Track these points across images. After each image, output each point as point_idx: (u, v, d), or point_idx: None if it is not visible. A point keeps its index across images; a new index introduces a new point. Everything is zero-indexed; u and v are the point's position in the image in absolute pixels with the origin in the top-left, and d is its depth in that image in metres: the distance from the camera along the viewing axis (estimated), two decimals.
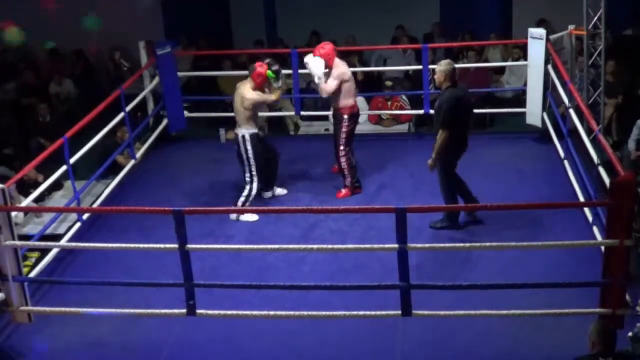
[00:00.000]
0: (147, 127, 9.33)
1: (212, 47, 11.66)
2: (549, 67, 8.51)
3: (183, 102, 9.57)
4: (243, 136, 7.31)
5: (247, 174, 7.39)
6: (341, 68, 7.52)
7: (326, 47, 7.58)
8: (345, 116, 7.53)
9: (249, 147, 7.30)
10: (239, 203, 7.36)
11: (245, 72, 10.88)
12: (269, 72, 7.32)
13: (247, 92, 7.26)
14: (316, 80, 7.49)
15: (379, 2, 11.99)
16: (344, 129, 7.56)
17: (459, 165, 6.92)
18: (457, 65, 10.35)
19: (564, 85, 8.11)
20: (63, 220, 7.36)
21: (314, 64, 7.45)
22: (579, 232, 6.60)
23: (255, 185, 7.39)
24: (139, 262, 6.48)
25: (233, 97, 7.45)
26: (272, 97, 7.42)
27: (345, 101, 7.52)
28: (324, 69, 7.49)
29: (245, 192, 7.39)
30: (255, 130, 7.36)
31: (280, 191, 7.89)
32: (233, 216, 7.39)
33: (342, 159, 7.62)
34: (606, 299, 5.15)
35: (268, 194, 7.81)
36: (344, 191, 7.75)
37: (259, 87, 7.32)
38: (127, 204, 7.69)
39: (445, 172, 6.81)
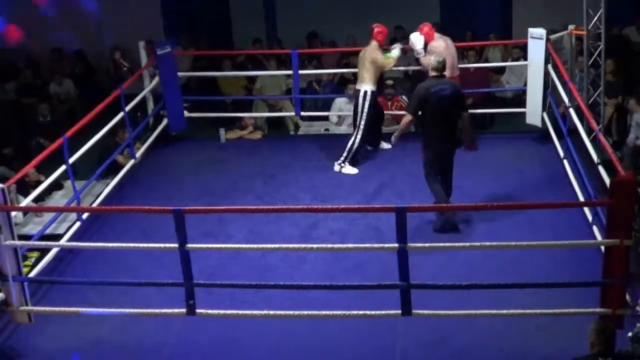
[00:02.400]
0: (147, 127, 9.33)
1: (212, 47, 11.67)
2: (549, 67, 8.51)
3: (183, 102, 9.56)
4: (365, 92, 8.11)
5: (356, 127, 8.21)
6: (435, 42, 8.31)
7: (425, 27, 8.40)
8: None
9: (366, 103, 8.10)
10: (345, 152, 8.18)
11: (245, 73, 11.01)
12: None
13: (372, 51, 8.10)
14: (416, 54, 8.45)
15: (378, 2, 11.98)
16: None
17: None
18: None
19: (564, 85, 8.11)
20: (63, 220, 7.35)
21: (416, 38, 8.35)
22: (579, 232, 6.60)
23: (359, 137, 8.18)
24: (139, 261, 6.47)
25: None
26: (389, 62, 8.21)
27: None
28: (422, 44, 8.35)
29: (349, 143, 8.20)
30: (375, 89, 8.15)
31: (386, 145, 8.61)
32: (336, 167, 8.22)
33: None
34: (606, 299, 5.16)
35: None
36: None
37: (382, 44, 8.21)
38: (127, 203, 7.69)
39: (425, 170, 6.96)
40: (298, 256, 6.54)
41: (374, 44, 8.16)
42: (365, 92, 8.11)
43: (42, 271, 6.43)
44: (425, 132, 6.91)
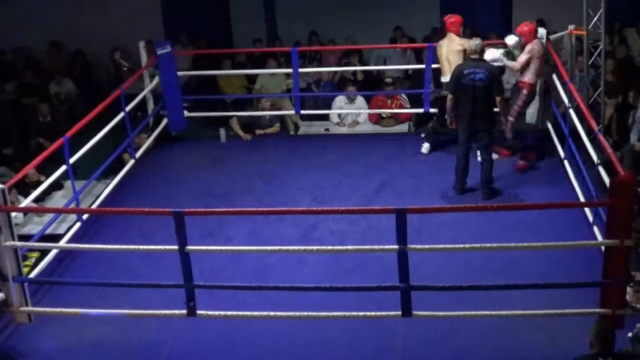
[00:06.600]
0: (147, 127, 9.33)
1: (212, 47, 11.66)
2: None
3: (183, 102, 9.56)
4: (443, 83, 8.27)
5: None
6: (534, 45, 7.88)
7: (526, 26, 8.04)
8: (524, 91, 7.91)
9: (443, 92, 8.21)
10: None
11: (245, 71, 11.00)
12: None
13: (453, 42, 8.20)
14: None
15: (378, 3, 11.98)
16: (518, 102, 7.98)
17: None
18: None
19: (564, 85, 8.10)
20: (63, 221, 7.35)
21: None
22: (579, 232, 6.60)
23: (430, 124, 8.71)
24: (139, 263, 6.46)
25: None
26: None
27: (528, 77, 7.90)
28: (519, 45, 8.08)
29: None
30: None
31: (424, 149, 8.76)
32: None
33: (508, 125, 7.99)
34: (606, 299, 5.16)
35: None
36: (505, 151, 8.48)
37: (458, 34, 8.28)
38: (127, 204, 7.69)
39: (459, 142, 7.53)
40: (298, 257, 6.53)
41: (452, 36, 8.26)
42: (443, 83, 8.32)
43: (42, 272, 6.44)
44: (459, 108, 7.38)
